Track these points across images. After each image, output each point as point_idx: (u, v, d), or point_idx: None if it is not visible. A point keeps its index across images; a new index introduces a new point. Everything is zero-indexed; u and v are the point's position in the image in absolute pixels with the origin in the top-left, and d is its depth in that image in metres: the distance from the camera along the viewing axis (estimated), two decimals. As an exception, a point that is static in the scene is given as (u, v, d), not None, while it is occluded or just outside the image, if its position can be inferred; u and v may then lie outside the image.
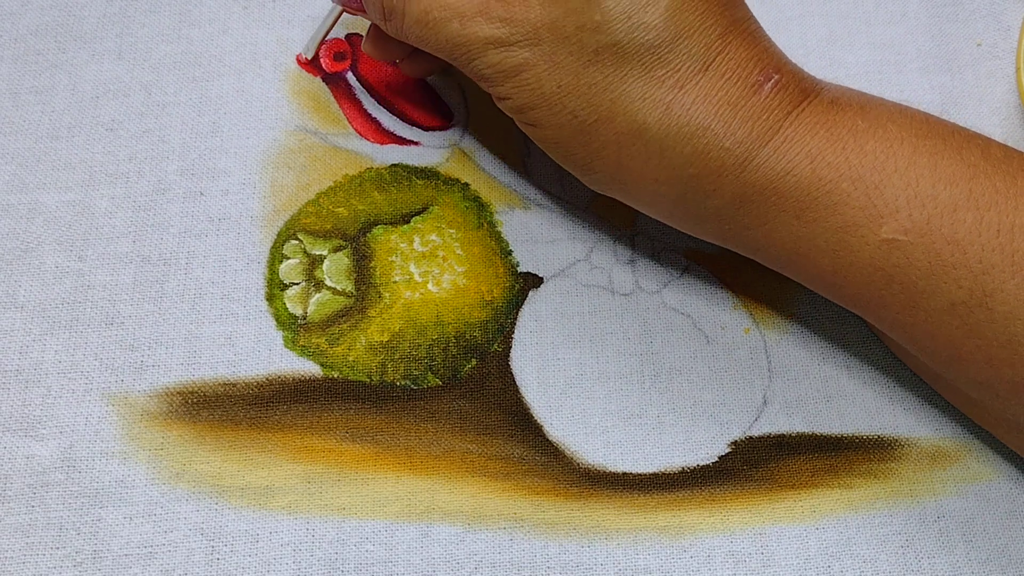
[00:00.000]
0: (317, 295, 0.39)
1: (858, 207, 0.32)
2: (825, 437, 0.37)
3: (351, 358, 0.38)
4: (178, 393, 0.37)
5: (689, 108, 0.32)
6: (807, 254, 0.33)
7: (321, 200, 0.41)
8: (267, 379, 0.38)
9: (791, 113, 0.33)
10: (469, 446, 0.37)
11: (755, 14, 0.35)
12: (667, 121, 0.32)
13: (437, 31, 0.34)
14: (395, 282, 0.39)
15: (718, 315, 0.39)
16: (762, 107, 0.32)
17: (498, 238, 0.40)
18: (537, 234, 0.40)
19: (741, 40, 0.33)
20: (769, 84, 0.33)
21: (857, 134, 0.32)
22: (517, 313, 0.39)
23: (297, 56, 0.43)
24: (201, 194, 0.41)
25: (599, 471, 0.37)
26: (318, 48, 0.43)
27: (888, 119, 0.33)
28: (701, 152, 0.32)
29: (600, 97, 0.33)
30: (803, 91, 0.33)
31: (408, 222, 0.40)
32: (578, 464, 0.37)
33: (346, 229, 0.40)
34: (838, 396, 0.38)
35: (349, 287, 0.39)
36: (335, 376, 0.38)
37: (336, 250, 0.40)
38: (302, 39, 0.44)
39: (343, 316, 0.39)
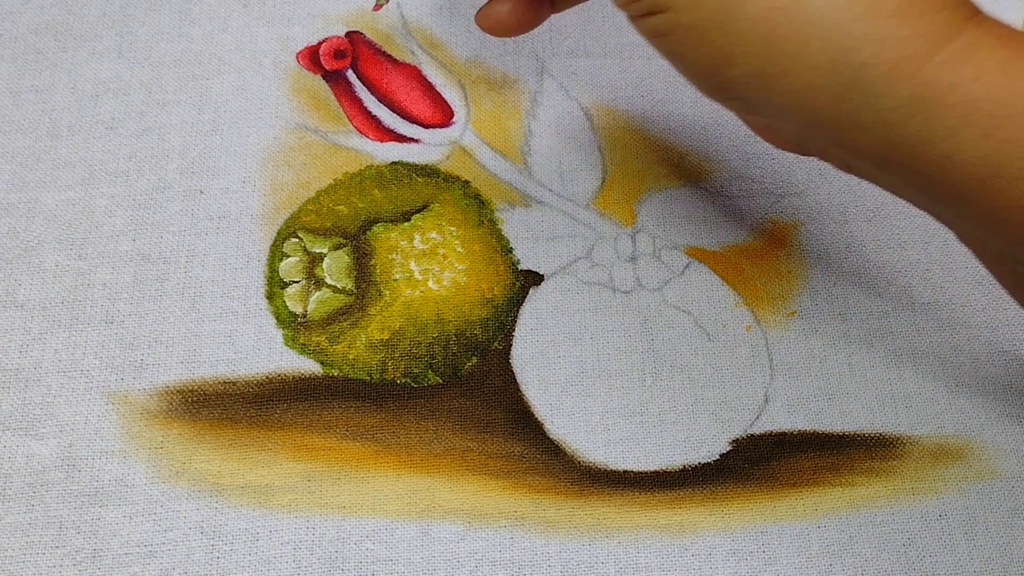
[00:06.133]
0: (317, 293, 0.39)
1: None
2: (827, 435, 0.37)
3: (351, 356, 0.38)
4: (178, 391, 0.37)
5: None
6: (992, 182, 0.28)
7: (321, 198, 0.41)
8: (267, 377, 0.38)
9: (971, 19, 0.29)
10: (470, 444, 0.37)
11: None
12: None
13: None
14: (395, 280, 0.39)
15: (719, 313, 0.39)
16: (943, 2, 0.28)
17: (499, 236, 0.40)
18: (538, 232, 0.40)
19: None
20: None
21: None
22: (518, 311, 0.39)
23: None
24: (201, 192, 0.41)
25: (600, 469, 0.37)
26: None
27: None
28: (875, 37, 0.28)
29: None
30: (972, 6, 0.29)
31: (408, 220, 0.40)
32: (579, 462, 0.37)
33: (346, 227, 0.40)
34: (840, 394, 0.38)
35: (349, 285, 0.39)
36: (335, 374, 0.38)
37: (336, 248, 0.40)
38: (302, 37, 0.44)
39: (343, 314, 0.39)
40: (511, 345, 0.38)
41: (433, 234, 0.40)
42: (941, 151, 0.28)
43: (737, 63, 0.29)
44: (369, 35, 0.44)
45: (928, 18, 0.28)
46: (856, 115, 0.29)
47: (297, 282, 0.39)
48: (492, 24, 0.36)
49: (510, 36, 0.37)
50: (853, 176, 0.32)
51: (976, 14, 0.29)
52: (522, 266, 0.40)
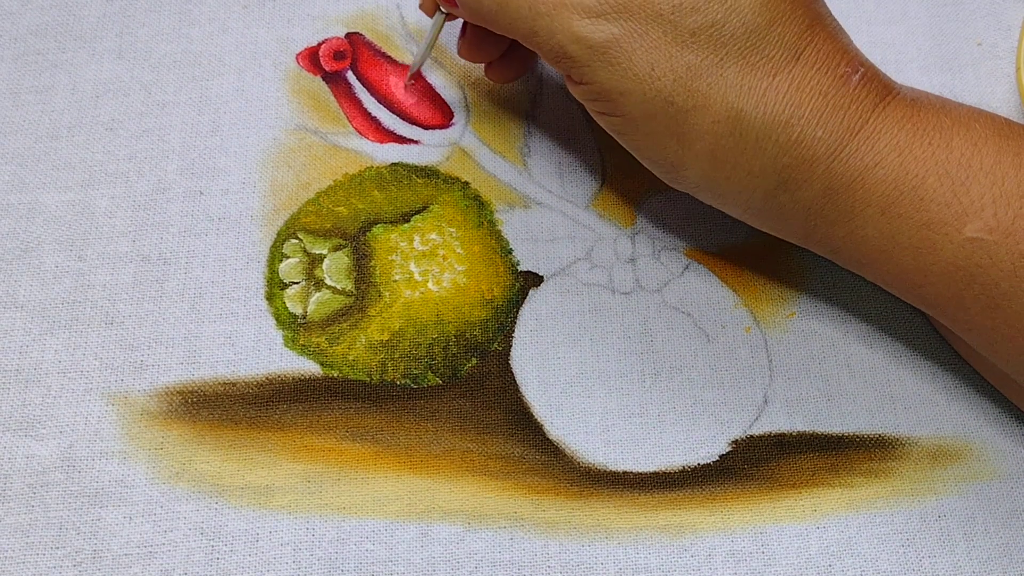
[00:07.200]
0: (317, 294, 0.39)
1: (944, 203, 0.31)
2: (826, 436, 0.37)
3: (351, 357, 0.38)
4: (178, 392, 0.37)
5: (783, 96, 0.32)
6: (890, 252, 0.33)
7: (321, 199, 0.41)
8: (267, 378, 0.38)
9: (878, 106, 0.33)
10: (469, 445, 0.37)
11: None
12: (762, 109, 0.32)
13: None
14: (395, 281, 0.39)
15: (719, 314, 0.39)
16: (851, 98, 0.32)
17: (498, 237, 0.40)
18: (537, 233, 0.40)
19: (826, 33, 0.33)
20: (856, 76, 0.33)
21: (943, 131, 0.32)
22: (517, 312, 0.39)
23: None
24: (201, 193, 0.41)
25: (599, 470, 0.37)
26: (420, 66, 0.42)
27: (972, 119, 0.33)
28: (795, 141, 0.32)
29: (697, 82, 0.32)
30: (886, 87, 0.33)
31: (408, 221, 0.40)
32: (578, 463, 0.37)
33: (346, 228, 0.40)
34: (839, 395, 0.38)
35: (349, 286, 0.39)
36: (335, 375, 0.38)
37: (336, 249, 0.40)
38: (302, 38, 0.44)
39: (343, 315, 0.39)
40: (511, 346, 0.38)
41: (433, 235, 0.40)
42: (848, 228, 0.33)
43: (687, 166, 0.34)
44: (369, 36, 0.44)
45: (839, 116, 0.32)
46: (781, 206, 0.33)
47: (297, 283, 0.39)
48: (496, 79, 0.41)
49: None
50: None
51: (888, 93, 0.33)
52: (522, 267, 0.40)
